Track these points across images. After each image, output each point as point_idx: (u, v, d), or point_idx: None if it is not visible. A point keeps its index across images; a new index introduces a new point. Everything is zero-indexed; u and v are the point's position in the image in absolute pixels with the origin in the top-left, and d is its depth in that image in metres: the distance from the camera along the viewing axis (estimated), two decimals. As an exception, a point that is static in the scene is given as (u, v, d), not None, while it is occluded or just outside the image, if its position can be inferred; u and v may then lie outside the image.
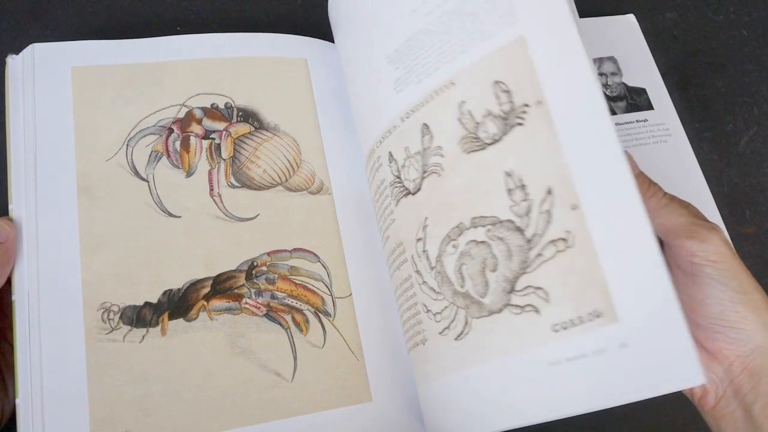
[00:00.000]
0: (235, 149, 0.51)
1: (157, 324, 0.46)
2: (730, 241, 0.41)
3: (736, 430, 0.41)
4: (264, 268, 0.49)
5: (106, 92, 0.51)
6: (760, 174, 0.62)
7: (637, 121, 0.60)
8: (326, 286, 0.49)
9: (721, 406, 0.42)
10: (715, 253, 0.40)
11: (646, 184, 0.42)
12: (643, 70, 0.63)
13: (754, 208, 0.61)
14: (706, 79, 0.65)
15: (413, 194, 0.45)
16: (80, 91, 0.50)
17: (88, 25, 0.60)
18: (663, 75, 0.63)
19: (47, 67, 0.50)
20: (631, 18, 0.65)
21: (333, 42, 0.57)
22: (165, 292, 0.47)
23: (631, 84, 0.62)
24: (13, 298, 0.44)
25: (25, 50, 0.50)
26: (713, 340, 0.41)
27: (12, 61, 0.50)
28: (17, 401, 0.42)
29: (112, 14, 0.60)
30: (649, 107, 0.61)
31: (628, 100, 0.61)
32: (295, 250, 0.49)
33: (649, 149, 0.59)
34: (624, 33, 0.64)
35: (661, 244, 0.42)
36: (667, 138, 0.60)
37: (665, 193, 0.42)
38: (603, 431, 0.53)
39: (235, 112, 0.52)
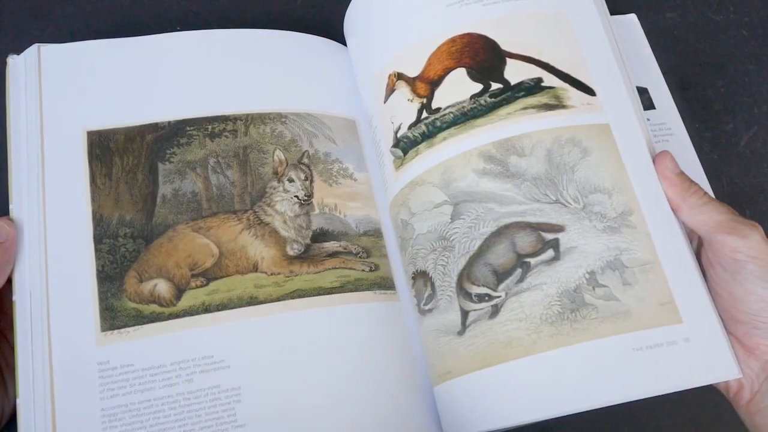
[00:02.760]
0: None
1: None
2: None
3: None
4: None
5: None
6: (760, 174, 0.62)
7: (638, 120, 0.60)
8: None
9: (756, 401, 0.42)
10: (757, 250, 0.40)
11: (687, 182, 0.44)
12: (644, 69, 0.63)
13: (754, 208, 0.61)
14: (706, 79, 0.66)
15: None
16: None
17: (88, 25, 0.60)
18: (663, 75, 0.63)
19: (52, 68, 0.50)
20: (632, 18, 0.65)
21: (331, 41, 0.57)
22: None
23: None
24: (14, 298, 0.44)
25: (28, 50, 0.50)
26: (752, 336, 0.41)
27: (13, 61, 0.50)
28: (17, 401, 0.42)
29: (112, 14, 0.61)
30: (651, 107, 0.61)
31: (630, 99, 0.61)
32: None
33: (651, 149, 0.59)
34: (625, 33, 0.64)
35: (700, 242, 0.44)
36: (669, 137, 0.60)
37: (705, 192, 0.43)
38: (603, 431, 0.53)
39: None
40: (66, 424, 0.42)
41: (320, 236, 0.50)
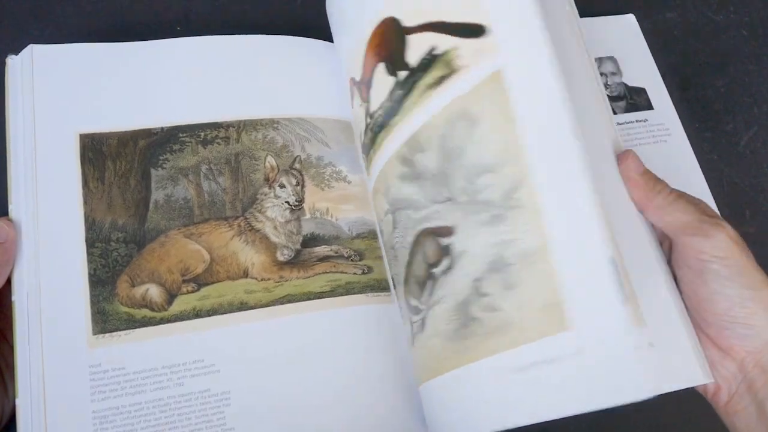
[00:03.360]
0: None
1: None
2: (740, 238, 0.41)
3: (750, 426, 0.41)
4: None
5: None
6: (760, 174, 0.62)
7: (636, 121, 0.60)
8: None
9: (734, 403, 0.42)
10: (721, 249, 0.39)
11: (652, 181, 0.42)
12: (642, 69, 0.63)
13: (754, 208, 0.61)
14: (706, 79, 0.65)
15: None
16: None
17: (88, 25, 0.60)
18: (663, 75, 0.63)
19: (46, 69, 0.50)
20: (631, 18, 0.65)
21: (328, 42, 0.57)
22: None
23: (630, 84, 0.62)
24: (13, 298, 0.44)
25: (24, 51, 0.50)
26: (724, 337, 0.41)
27: (12, 61, 0.50)
28: (17, 401, 0.42)
29: (112, 14, 0.61)
30: (649, 107, 0.61)
31: (628, 99, 0.61)
32: None
33: (649, 149, 0.59)
34: (624, 33, 0.64)
35: (670, 243, 0.42)
36: (667, 138, 0.60)
37: (672, 190, 0.42)
38: (603, 431, 0.53)
39: None
40: (57, 426, 0.42)
41: (311, 241, 0.51)
